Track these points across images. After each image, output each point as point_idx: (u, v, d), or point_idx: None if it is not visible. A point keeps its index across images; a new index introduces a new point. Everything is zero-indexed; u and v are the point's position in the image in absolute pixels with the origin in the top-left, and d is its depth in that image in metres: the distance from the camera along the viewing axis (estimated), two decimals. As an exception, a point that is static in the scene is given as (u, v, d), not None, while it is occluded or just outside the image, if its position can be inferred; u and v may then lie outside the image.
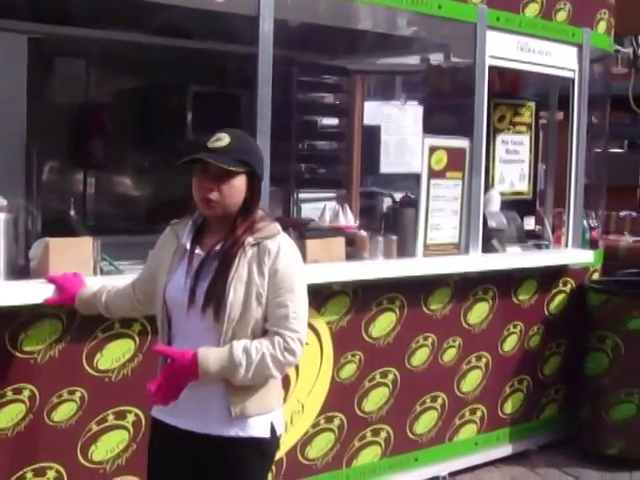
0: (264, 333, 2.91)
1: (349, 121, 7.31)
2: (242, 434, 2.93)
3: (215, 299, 2.86)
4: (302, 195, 7.55)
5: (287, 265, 2.92)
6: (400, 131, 4.90)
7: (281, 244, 2.94)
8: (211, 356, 2.83)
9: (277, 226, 3.01)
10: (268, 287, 2.89)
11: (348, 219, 5.50)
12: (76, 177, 6.67)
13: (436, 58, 6.54)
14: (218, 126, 3.10)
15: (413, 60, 6.71)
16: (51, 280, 3.62)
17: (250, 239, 2.92)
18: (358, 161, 7.29)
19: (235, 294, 2.87)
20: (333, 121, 7.56)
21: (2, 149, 5.29)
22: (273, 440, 3.02)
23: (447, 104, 6.15)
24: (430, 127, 5.67)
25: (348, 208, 5.60)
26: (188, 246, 2.99)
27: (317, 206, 6.43)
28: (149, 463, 3.15)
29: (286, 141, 7.05)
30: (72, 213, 4.54)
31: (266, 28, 4.30)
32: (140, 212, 6.84)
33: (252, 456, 2.97)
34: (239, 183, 2.92)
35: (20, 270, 3.90)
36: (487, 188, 6.24)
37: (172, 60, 6.32)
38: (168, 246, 3.08)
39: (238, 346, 2.84)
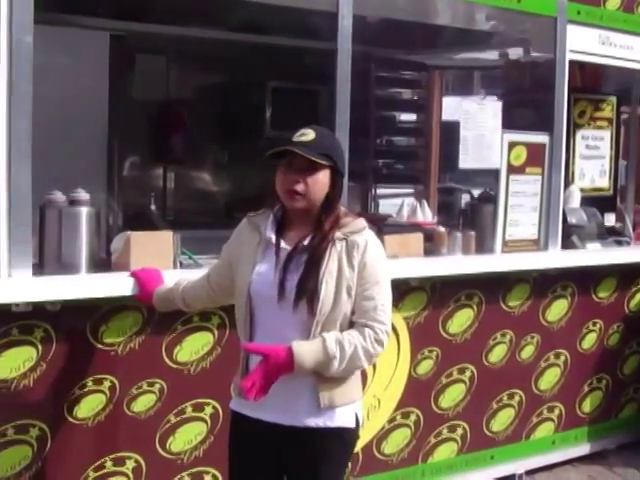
0: (350, 325, 2.95)
1: (427, 117, 7.29)
2: (329, 424, 2.97)
3: (308, 293, 2.90)
4: (380, 191, 7.55)
5: (375, 259, 2.98)
6: (479, 126, 4.85)
7: (368, 239, 3.00)
8: (305, 350, 2.86)
9: (363, 221, 3.06)
10: (357, 280, 2.94)
11: (426, 215, 5.49)
12: (156, 172, 6.78)
13: (515, 53, 6.47)
14: (296, 122, 3.14)
15: (492, 55, 6.65)
16: (132, 275, 3.68)
17: (338, 234, 2.97)
18: (436, 157, 7.27)
19: (327, 288, 2.91)
20: (411, 117, 7.53)
21: (85, 145, 5.41)
22: (356, 429, 3.06)
23: (526, 99, 6.10)
24: (509, 122, 5.64)
25: (426, 204, 5.59)
26: (273, 239, 3.02)
27: (395, 202, 6.43)
28: (231, 455, 3.18)
29: (364, 137, 7.06)
30: (153, 207, 4.60)
31: (345, 24, 4.30)
32: (219, 207, 6.92)
33: (338, 445, 3.01)
34: (323, 177, 2.96)
35: (102, 263, 3.97)
36: (567, 184, 6.19)
37: (251, 56, 6.37)
38: (248, 239, 3.09)
39: (331, 339, 2.88)
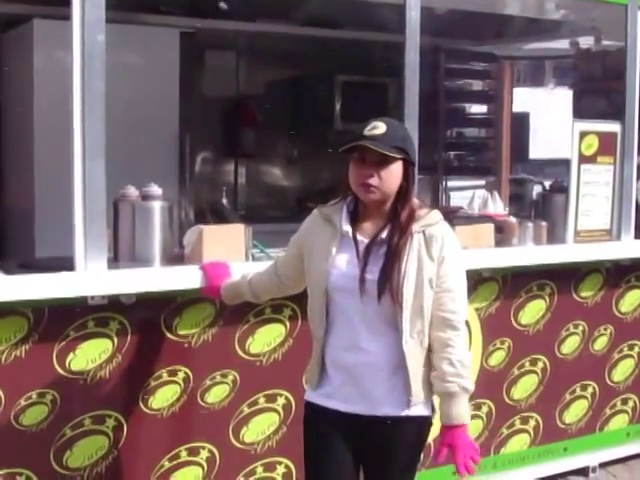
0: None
1: (497, 107, 7.25)
2: (409, 413, 3.01)
3: (391, 287, 2.92)
4: (451, 183, 7.54)
5: (452, 252, 3.02)
6: (549, 116, 4.81)
7: (445, 231, 3.03)
8: (461, 411, 3.01)
9: (438, 213, 3.08)
10: (436, 272, 2.97)
11: (497, 206, 5.45)
12: (227, 167, 6.87)
13: (586, 42, 6.40)
14: (366, 115, 3.15)
15: (562, 44, 6.59)
16: (201, 269, 3.73)
17: (415, 226, 2.98)
18: (507, 148, 7.23)
19: (409, 281, 2.94)
20: (481, 108, 7.51)
21: (157, 140, 5.50)
22: (431, 417, 3.10)
23: (598, 88, 6.03)
24: (581, 112, 5.59)
25: (497, 195, 5.55)
26: (350, 232, 3.03)
27: (467, 194, 6.41)
28: (307, 446, 3.20)
29: (434, 129, 7.06)
30: (224, 202, 4.65)
31: (413, 15, 4.30)
32: (290, 200, 6.98)
33: (415, 433, 3.06)
34: (396, 169, 2.97)
35: (175, 257, 4.04)
36: (640, 174, 6.11)
37: (320, 50, 6.41)
38: (321, 231, 3.10)
39: (458, 387, 2.97)
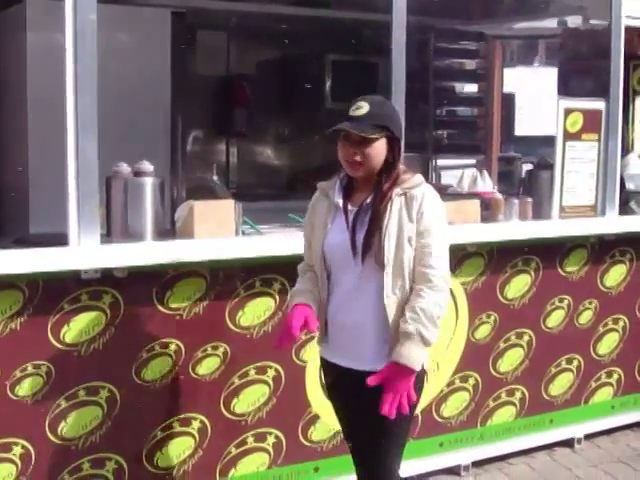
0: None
1: (487, 86, 7.30)
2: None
3: (373, 248, 3.16)
4: (442, 162, 7.61)
5: (431, 209, 3.20)
6: (534, 94, 4.88)
7: (425, 191, 3.22)
8: (413, 355, 3.09)
9: (420, 177, 3.28)
10: (415, 229, 3.16)
11: (487, 184, 5.50)
12: (219, 146, 6.92)
13: (574, 21, 6.46)
14: (356, 94, 3.30)
15: (550, 23, 6.64)
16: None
17: (397, 190, 3.20)
18: (498, 126, 7.28)
19: (389, 241, 3.15)
20: (471, 87, 7.55)
21: (149, 119, 5.55)
22: (422, 374, 3.27)
23: (586, 67, 6.09)
24: (569, 90, 5.65)
25: (487, 174, 5.61)
26: (340, 204, 3.27)
27: (457, 173, 6.47)
28: (328, 395, 3.51)
29: (424, 108, 7.13)
30: (215, 178, 4.72)
31: (399, -4, 4.38)
32: (281, 179, 7.05)
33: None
34: (380, 145, 3.19)
35: (166, 233, 4.11)
36: (627, 151, 6.19)
37: (310, 30, 6.47)
38: (320, 206, 3.36)
39: (414, 329, 3.09)
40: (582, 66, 6.17)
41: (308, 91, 6.74)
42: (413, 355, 3.09)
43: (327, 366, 3.41)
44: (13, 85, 5.50)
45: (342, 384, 3.35)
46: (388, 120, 3.21)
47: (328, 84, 6.68)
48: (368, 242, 3.17)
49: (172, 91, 5.68)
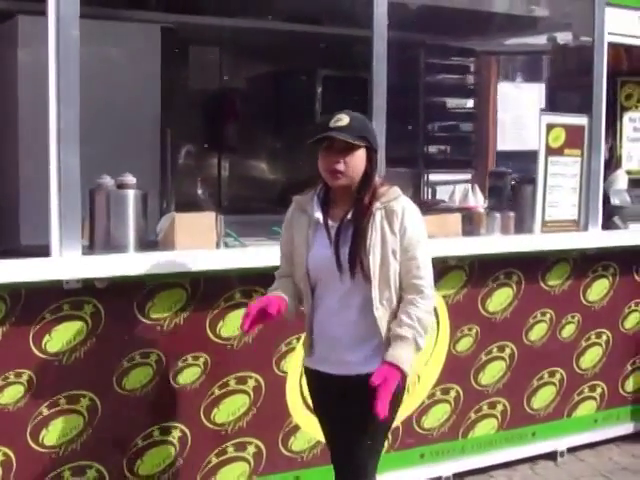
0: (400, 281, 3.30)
1: (480, 102, 7.35)
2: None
3: (359, 262, 3.25)
4: (436, 177, 7.68)
5: (413, 223, 3.33)
6: (516, 109, 4.95)
7: (405, 205, 3.33)
8: (406, 357, 3.23)
9: (397, 189, 3.38)
10: (399, 243, 3.27)
11: (478, 199, 5.55)
12: (210, 160, 6.98)
13: (563, 38, 6.53)
14: (346, 109, 3.38)
15: (539, 40, 6.71)
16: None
17: (377, 204, 3.30)
18: (492, 141, 7.32)
19: (374, 255, 3.25)
20: (463, 102, 7.61)
21: (138, 133, 5.62)
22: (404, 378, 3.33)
23: (573, 83, 6.15)
24: (556, 106, 5.72)
25: (478, 188, 5.66)
26: (321, 220, 3.34)
27: (449, 188, 6.53)
28: (313, 403, 3.60)
29: (415, 123, 7.20)
30: (200, 192, 4.79)
31: (380, 11, 4.47)
32: (272, 193, 7.08)
33: None
34: (360, 155, 3.29)
35: (150, 245, 4.17)
36: (615, 167, 6.24)
37: (302, 45, 6.52)
38: (298, 221, 3.42)
39: (411, 335, 3.24)
40: (570, 82, 6.23)
41: (299, 106, 6.80)
42: (404, 357, 3.21)
43: (311, 373, 3.50)
44: (4, 100, 5.57)
45: (326, 390, 3.43)
46: (367, 132, 3.33)
47: (319, 99, 6.73)
48: (354, 258, 3.25)
49: (162, 105, 5.75)
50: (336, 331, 3.34)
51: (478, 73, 7.25)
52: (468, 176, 7.46)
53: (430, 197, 7.68)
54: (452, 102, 7.46)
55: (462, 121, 7.62)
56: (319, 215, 3.35)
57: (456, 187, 5.99)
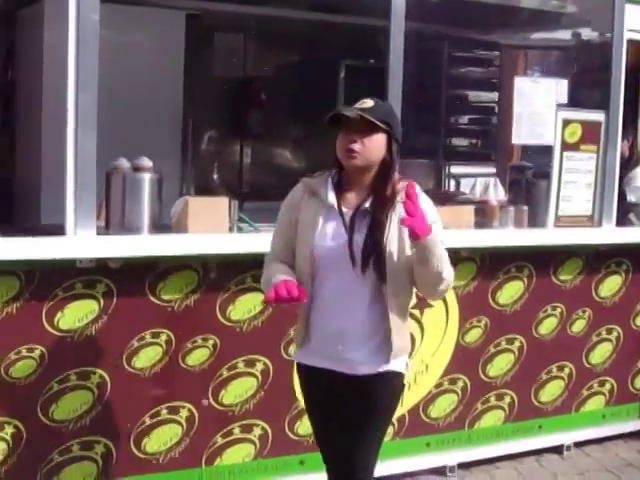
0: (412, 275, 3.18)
1: (502, 95, 7.37)
2: (388, 368, 3.20)
3: (375, 254, 3.11)
4: (458, 170, 7.71)
5: (428, 205, 3.18)
6: (532, 104, 4.98)
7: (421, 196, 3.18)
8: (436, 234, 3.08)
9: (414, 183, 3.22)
10: None
11: (498, 193, 5.58)
12: (233, 147, 7.05)
13: (587, 33, 6.54)
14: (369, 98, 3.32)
15: (562, 35, 6.72)
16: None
17: (397, 197, 3.15)
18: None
19: (391, 247, 3.13)
20: (486, 95, 7.64)
21: (160, 119, 5.72)
22: (404, 375, 3.31)
23: (595, 79, 6.16)
24: (579, 102, 5.73)
25: (499, 182, 5.69)
26: (336, 205, 3.19)
27: (471, 181, 6.56)
28: (305, 401, 3.44)
29: (437, 115, 7.24)
30: (215, 177, 4.86)
31: (398, 2, 4.51)
32: (293, 180, 7.13)
33: (392, 388, 3.27)
34: (379, 139, 3.14)
35: (165, 228, 4.25)
36: (635, 164, 6.26)
37: (326, 35, 6.58)
38: (307, 203, 3.25)
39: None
40: (592, 78, 6.24)
41: (321, 94, 6.84)
42: (435, 240, 3.06)
43: (304, 370, 3.34)
44: (29, 83, 5.68)
45: (321, 387, 3.30)
46: (390, 119, 3.19)
47: (341, 88, 6.79)
48: (369, 250, 3.12)
49: (184, 91, 5.84)
50: (338, 325, 3.18)
51: (501, 67, 7.26)
52: (492, 169, 7.49)
53: (453, 189, 7.74)
54: (475, 95, 7.48)
55: (484, 114, 7.64)
56: (333, 200, 3.19)
57: (477, 180, 6.02)
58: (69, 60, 3.80)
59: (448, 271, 3.18)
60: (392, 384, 3.27)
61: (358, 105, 3.17)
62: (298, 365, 3.38)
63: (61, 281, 3.84)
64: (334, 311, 3.19)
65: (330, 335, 3.21)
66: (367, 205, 3.18)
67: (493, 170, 7.45)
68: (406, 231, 3.07)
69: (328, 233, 3.19)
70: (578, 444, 5.39)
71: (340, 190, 3.23)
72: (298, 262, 3.26)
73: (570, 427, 5.36)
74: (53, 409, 3.88)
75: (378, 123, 3.11)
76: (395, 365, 3.24)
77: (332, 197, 3.19)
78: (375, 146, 3.14)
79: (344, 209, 3.19)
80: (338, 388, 3.23)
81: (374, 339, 3.19)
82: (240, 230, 4.41)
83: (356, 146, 3.11)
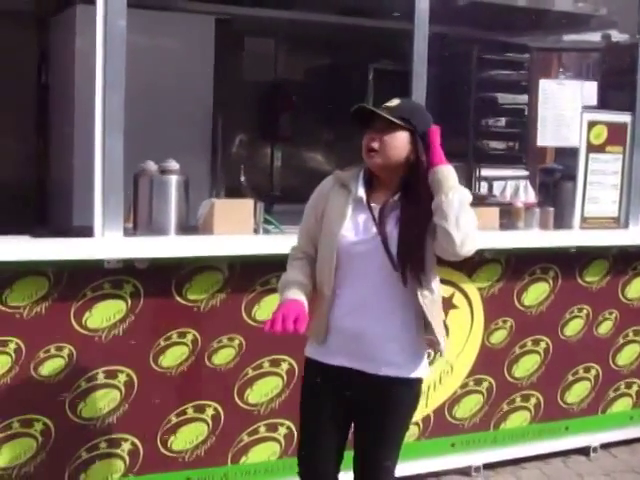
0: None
1: (532, 98, 7.38)
2: (408, 374, 3.21)
3: (412, 253, 3.10)
4: (490, 172, 7.74)
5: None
6: (557, 106, 5.00)
7: None
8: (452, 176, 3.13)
9: None
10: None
11: (529, 195, 5.59)
12: (264, 150, 7.14)
13: (617, 35, 6.55)
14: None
15: (591, 37, 6.74)
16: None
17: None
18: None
19: (427, 245, 3.13)
20: (516, 98, 7.65)
21: (191, 123, 5.80)
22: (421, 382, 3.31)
23: (623, 80, 6.16)
24: (608, 104, 5.74)
25: (529, 184, 5.70)
26: (364, 199, 3.17)
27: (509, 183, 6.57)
28: (304, 399, 3.39)
29: (467, 117, 7.26)
30: (242, 179, 4.93)
31: (422, 7, 4.57)
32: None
33: (414, 392, 3.28)
34: (401, 137, 3.12)
35: (192, 230, 4.33)
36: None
37: (354, 38, 6.64)
38: (336, 195, 3.24)
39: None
40: (621, 80, 6.24)
41: (351, 98, 6.88)
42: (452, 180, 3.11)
43: (318, 367, 3.28)
44: (62, 86, 5.79)
45: (336, 387, 3.24)
46: (413, 116, 3.15)
47: (371, 91, 6.84)
48: (408, 245, 3.11)
49: (214, 95, 5.91)
50: (364, 323, 3.15)
51: (531, 69, 7.28)
52: (523, 172, 7.51)
53: (484, 191, 7.77)
54: (504, 98, 7.50)
55: (515, 117, 7.66)
56: (362, 194, 3.17)
57: (507, 183, 6.04)
58: (97, 64, 3.89)
59: (470, 223, 3.16)
60: (413, 390, 3.27)
61: (385, 104, 3.19)
62: (311, 362, 3.33)
63: (89, 281, 3.91)
64: (357, 312, 3.16)
65: (351, 335, 3.17)
66: (395, 198, 3.16)
67: (524, 172, 7.49)
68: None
69: (355, 226, 3.17)
70: (605, 445, 5.39)
71: (369, 188, 3.21)
72: (321, 254, 3.23)
73: (597, 428, 5.35)
74: (81, 407, 3.96)
75: (396, 121, 3.10)
76: (419, 371, 3.24)
77: (362, 191, 3.18)
78: (395, 144, 3.12)
79: (373, 204, 3.17)
80: (352, 388, 3.21)
81: (404, 338, 3.17)
82: (266, 232, 4.47)
83: (375, 144, 3.12)
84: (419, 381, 3.28)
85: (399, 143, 3.13)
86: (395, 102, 3.19)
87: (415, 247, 3.12)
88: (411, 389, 3.26)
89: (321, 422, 3.30)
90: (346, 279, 3.18)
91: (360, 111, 3.21)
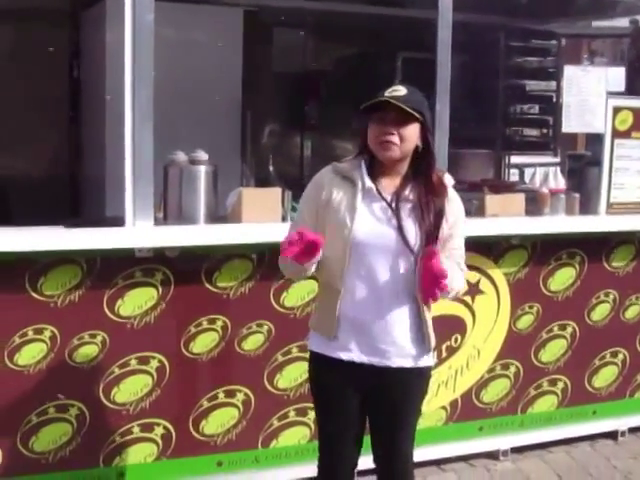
0: None
1: (559, 85, 7.38)
2: (420, 364, 3.25)
3: (427, 241, 3.10)
4: (520, 159, 7.77)
5: (460, 211, 3.27)
6: (582, 92, 5.02)
7: (454, 195, 3.26)
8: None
9: (450, 178, 3.29)
10: (446, 230, 3.18)
11: (558, 182, 5.61)
12: (294, 139, 7.21)
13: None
14: (425, 91, 3.35)
15: (620, 23, 6.74)
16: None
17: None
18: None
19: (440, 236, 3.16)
20: (544, 84, 7.65)
21: (220, 113, 5.89)
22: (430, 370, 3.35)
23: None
24: (635, 89, 5.76)
25: (559, 171, 5.72)
26: (374, 189, 3.14)
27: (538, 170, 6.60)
28: (318, 395, 3.35)
29: (495, 105, 7.28)
30: (271, 169, 5.01)
31: (445, -5, 4.59)
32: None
33: (423, 382, 3.32)
34: (414, 129, 3.11)
35: (219, 218, 4.41)
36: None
37: (383, 28, 6.68)
38: (338, 187, 3.16)
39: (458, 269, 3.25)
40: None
41: (379, 87, 6.93)
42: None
43: (325, 362, 3.24)
44: (93, 81, 5.90)
45: (349, 381, 3.21)
46: (423, 107, 3.14)
47: (399, 80, 6.88)
48: (428, 237, 3.10)
49: (243, 86, 6.00)
50: (375, 315, 3.15)
51: (558, 55, 7.28)
52: (552, 159, 7.52)
53: (514, 178, 7.81)
54: (533, 84, 7.50)
55: (543, 103, 7.66)
56: (371, 184, 3.13)
57: (537, 170, 6.07)
58: (126, 58, 3.98)
59: (459, 284, 3.25)
60: (423, 380, 3.31)
61: (389, 92, 3.12)
62: (318, 356, 3.27)
63: (121, 270, 4.01)
64: (368, 304, 3.15)
65: (361, 327, 3.16)
66: (407, 191, 3.16)
67: (553, 159, 7.50)
68: (445, 219, 3.16)
69: (369, 218, 3.14)
70: (633, 429, 5.41)
71: (372, 177, 3.17)
72: (331, 248, 3.12)
73: (624, 412, 5.38)
74: (115, 392, 4.07)
75: (416, 114, 3.08)
76: (428, 359, 3.27)
77: (369, 182, 3.14)
78: (411, 136, 3.11)
79: (384, 195, 3.15)
80: (366, 382, 3.20)
81: (410, 330, 3.19)
82: (294, 220, 4.54)
83: (394, 138, 3.07)
84: (429, 369, 3.32)
85: (413, 135, 3.12)
86: (402, 91, 3.13)
87: (434, 229, 3.13)
88: (422, 377, 3.30)
89: (339, 421, 3.29)
90: (357, 271, 3.14)
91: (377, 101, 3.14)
